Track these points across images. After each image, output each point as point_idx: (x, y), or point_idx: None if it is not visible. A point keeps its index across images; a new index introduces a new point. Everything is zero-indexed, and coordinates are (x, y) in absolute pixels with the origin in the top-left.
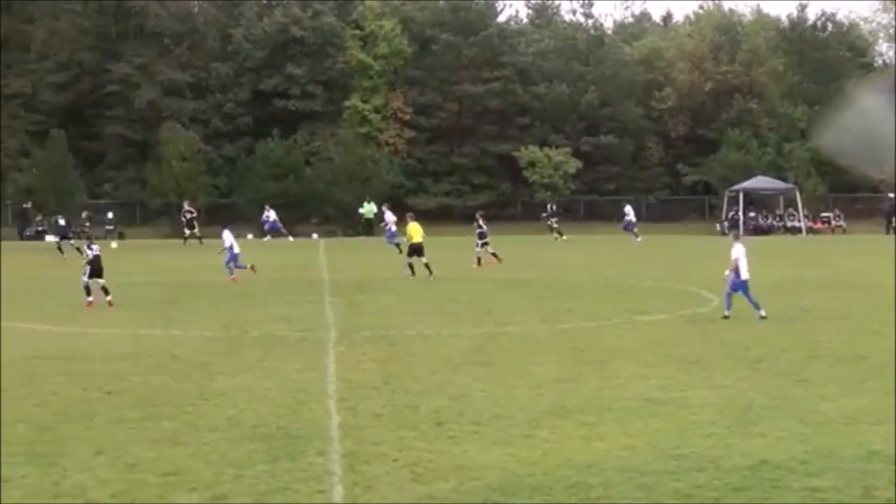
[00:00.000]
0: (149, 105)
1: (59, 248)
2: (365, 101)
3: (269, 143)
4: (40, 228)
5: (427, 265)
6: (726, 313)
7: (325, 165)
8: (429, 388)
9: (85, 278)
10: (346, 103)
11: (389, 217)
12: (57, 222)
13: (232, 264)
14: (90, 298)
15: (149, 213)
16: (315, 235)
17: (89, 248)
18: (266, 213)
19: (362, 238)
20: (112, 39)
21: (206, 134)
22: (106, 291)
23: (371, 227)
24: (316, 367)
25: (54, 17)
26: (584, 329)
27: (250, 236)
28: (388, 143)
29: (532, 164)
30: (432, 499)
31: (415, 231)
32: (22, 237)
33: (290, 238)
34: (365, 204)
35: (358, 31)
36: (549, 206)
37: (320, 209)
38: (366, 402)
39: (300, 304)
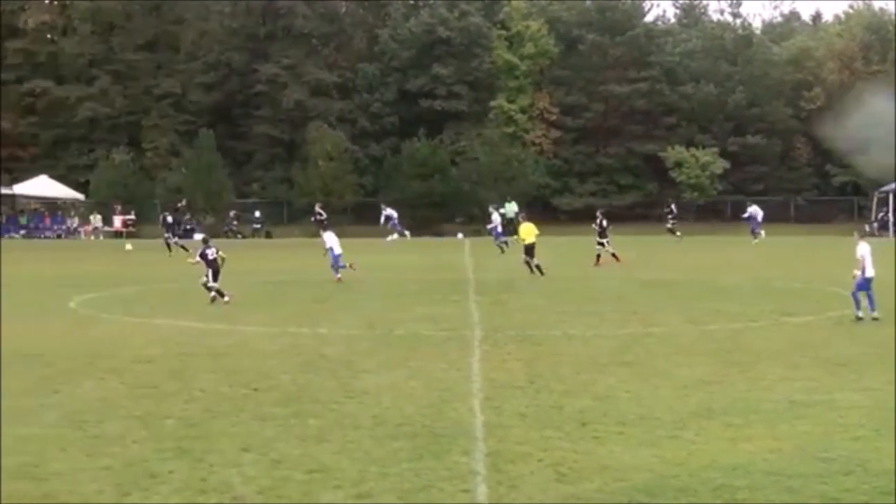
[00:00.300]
0: (296, 105)
1: (168, 246)
2: (511, 101)
3: (415, 143)
4: (188, 227)
5: (538, 266)
6: (857, 314)
7: (470, 165)
8: (574, 387)
9: (207, 279)
10: (492, 103)
11: (496, 218)
12: (165, 219)
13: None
14: (226, 299)
15: (295, 212)
16: (460, 235)
17: (204, 250)
18: (387, 212)
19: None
20: (260, 40)
21: (353, 133)
22: (220, 294)
23: (513, 226)
24: (461, 366)
25: (203, 19)
26: (731, 330)
27: (407, 234)
28: (533, 143)
29: (678, 165)
30: (577, 499)
31: (527, 232)
32: (174, 235)
33: (407, 235)
34: (506, 204)
35: (504, 32)
36: (669, 207)
37: (465, 209)
38: (510, 402)
39: (445, 304)
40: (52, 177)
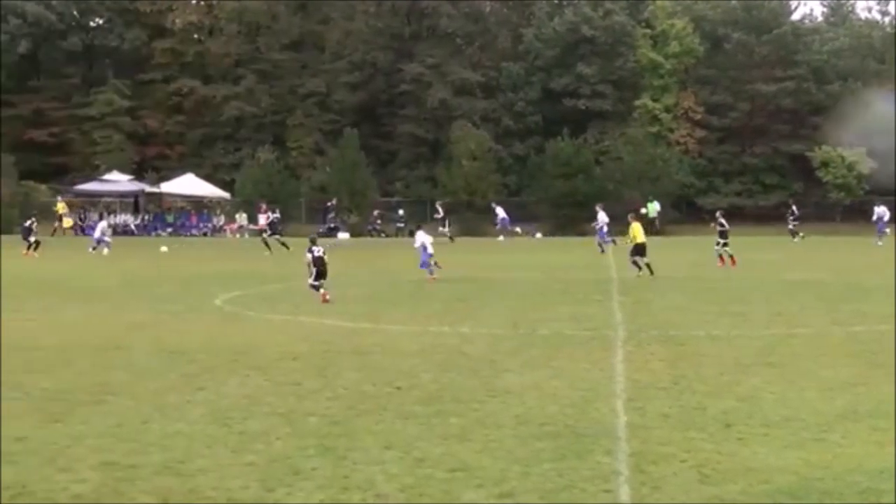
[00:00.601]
0: (440, 104)
1: (266, 244)
2: (655, 101)
3: (559, 143)
4: (332, 225)
5: (648, 265)
6: None
7: (614, 165)
8: (717, 388)
9: (311, 280)
10: (637, 102)
11: (602, 217)
12: (271, 218)
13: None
14: (326, 295)
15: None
16: None
17: (310, 250)
18: (498, 212)
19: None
20: (405, 39)
21: (497, 133)
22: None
23: (654, 225)
24: (604, 366)
25: (349, 18)
26: (877, 332)
27: (539, 235)
28: (678, 143)
29: (825, 165)
30: (720, 501)
31: (637, 231)
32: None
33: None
34: (648, 203)
35: (649, 30)
36: (791, 208)
37: (609, 208)
38: (653, 402)
39: (588, 303)
40: (198, 175)
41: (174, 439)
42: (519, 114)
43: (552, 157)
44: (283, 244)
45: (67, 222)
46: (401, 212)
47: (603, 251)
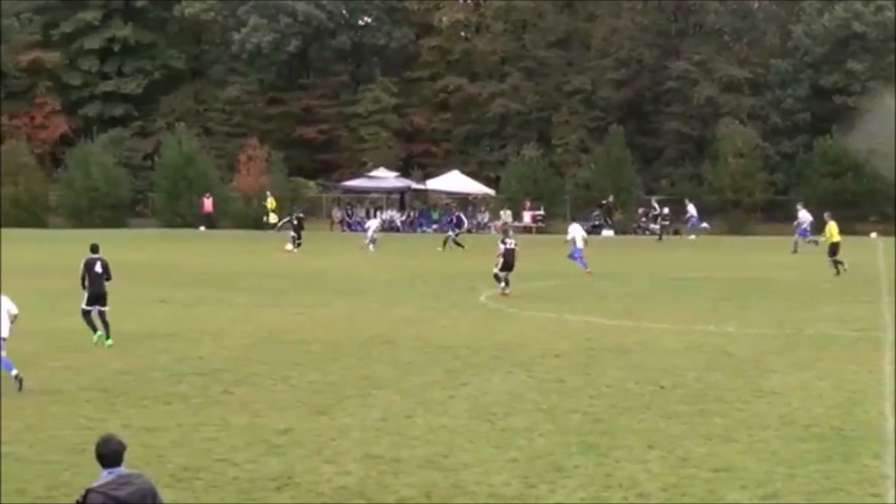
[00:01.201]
0: (707, 101)
1: (445, 242)
2: None
3: (828, 140)
4: (597, 223)
5: (840, 262)
6: None
7: (885, 163)
8: None
9: (496, 269)
10: None
11: (805, 216)
12: (458, 216)
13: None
14: (505, 289)
15: (704, 210)
16: (873, 234)
17: (503, 241)
18: (689, 207)
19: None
20: (671, 36)
21: (764, 130)
22: (507, 282)
23: None
24: (872, 367)
25: (615, 16)
26: None
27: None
28: None
29: None
30: None
31: (833, 230)
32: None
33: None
34: None
35: None
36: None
37: (879, 208)
38: None
39: (856, 304)
40: (463, 172)
41: (438, 434)
42: (787, 111)
43: (820, 154)
44: (457, 243)
45: (273, 218)
46: (666, 210)
47: (795, 251)
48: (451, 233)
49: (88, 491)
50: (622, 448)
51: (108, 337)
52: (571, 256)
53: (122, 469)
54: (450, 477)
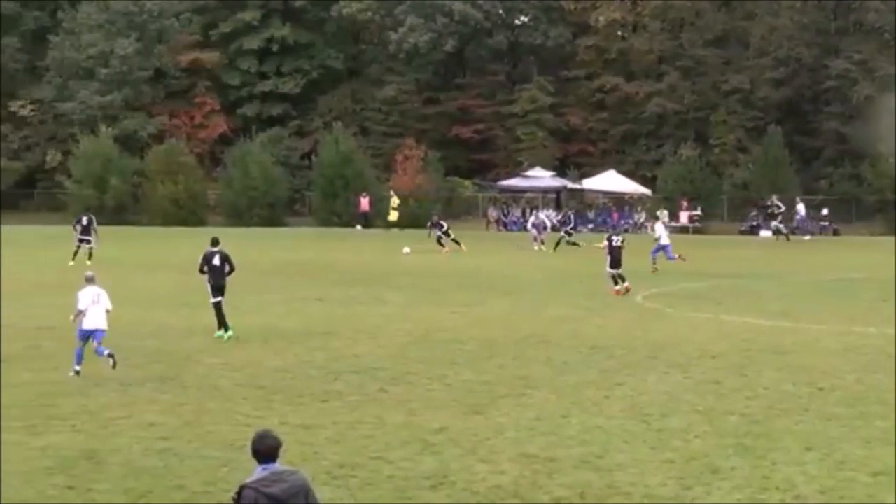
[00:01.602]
0: (867, 101)
1: (557, 243)
2: None
3: None
4: (755, 223)
5: None
6: None
7: None
8: None
9: (607, 267)
10: None
11: None
12: (568, 215)
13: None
14: (618, 287)
15: (864, 210)
16: None
17: (609, 238)
18: (798, 206)
19: None
20: (830, 35)
21: None
22: (621, 279)
23: None
24: None
25: (774, 14)
26: None
27: None
28: None
29: None
30: None
31: None
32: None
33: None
34: None
35: None
36: None
37: None
38: None
39: None
40: (619, 172)
41: (593, 434)
42: None
43: None
44: (574, 243)
45: (394, 215)
46: (825, 210)
47: None
48: (563, 233)
49: (243, 487)
50: (779, 450)
51: (227, 329)
52: (664, 252)
53: (277, 465)
54: (605, 477)
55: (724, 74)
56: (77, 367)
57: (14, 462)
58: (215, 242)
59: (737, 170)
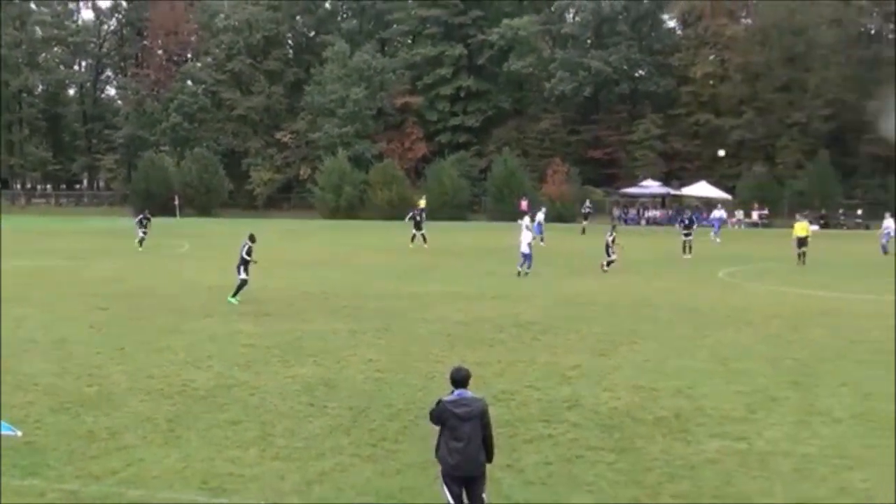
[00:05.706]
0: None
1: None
2: None
3: None
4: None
5: None
6: None
7: None
8: None
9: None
10: None
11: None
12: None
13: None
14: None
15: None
16: None
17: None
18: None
19: None
20: (866, 83)
21: None
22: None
23: None
24: None
25: (825, 68)
26: None
27: None
28: None
29: None
30: None
31: None
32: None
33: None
34: None
35: None
36: None
37: None
38: None
39: None
40: (709, 182)
41: (685, 372)
42: None
43: None
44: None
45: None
46: (859, 211)
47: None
48: (683, 236)
49: (440, 401)
50: (821, 386)
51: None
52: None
53: (467, 392)
54: (693, 403)
55: (787, 112)
56: None
57: (272, 386)
58: (252, 238)
59: (795, 181)
